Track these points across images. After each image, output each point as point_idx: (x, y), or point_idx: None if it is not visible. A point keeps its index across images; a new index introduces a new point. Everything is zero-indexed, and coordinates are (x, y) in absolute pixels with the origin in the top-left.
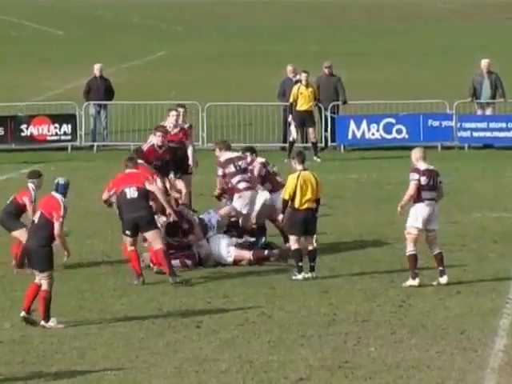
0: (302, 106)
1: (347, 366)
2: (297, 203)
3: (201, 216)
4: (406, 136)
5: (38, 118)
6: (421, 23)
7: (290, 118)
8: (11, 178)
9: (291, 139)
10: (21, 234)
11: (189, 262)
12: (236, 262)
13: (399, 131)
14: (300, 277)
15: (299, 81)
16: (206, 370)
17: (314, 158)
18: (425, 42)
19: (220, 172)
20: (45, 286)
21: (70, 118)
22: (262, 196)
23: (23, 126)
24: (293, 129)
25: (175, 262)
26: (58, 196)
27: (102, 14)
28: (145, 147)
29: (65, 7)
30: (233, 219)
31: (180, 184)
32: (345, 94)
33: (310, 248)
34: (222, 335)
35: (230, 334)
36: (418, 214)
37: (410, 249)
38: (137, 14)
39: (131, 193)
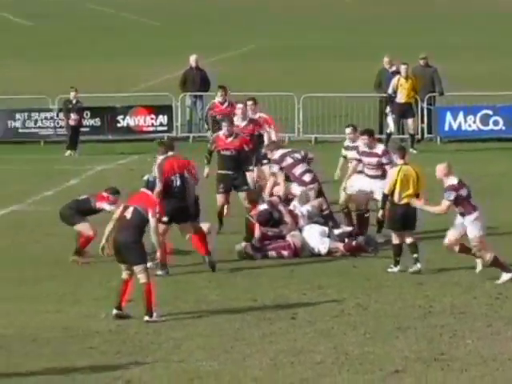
0: (402, 97)
1: (443, 359)
2: (396, 198)
3: (291, 207)
4: (503, 128)
5: (134, 109)
6: None
7: (387, 110)
8: (107, 168)
9: (389, 131)
10: (83, 228)
11: (285, 253)
12: (330, 253)
13: (496, 123)
14: (395, 269)
15: (396, 72)
16: (301, 361)
17: (411, 149)
18: None
19: (275, 169)
20: (143, 280)
21: (166, 109)
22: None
23: (120, 118)
24: (390, 120)
25: (271, 253)
26: (150, 193)
27: (197, 5)
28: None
29: None
30: (326, 211)
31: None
32: (441, 85)
33: (409, 241)
34: (317, 326)
35: (326, 326)
36: (479, 224)
37: (489, 255)
38: (231, 6)
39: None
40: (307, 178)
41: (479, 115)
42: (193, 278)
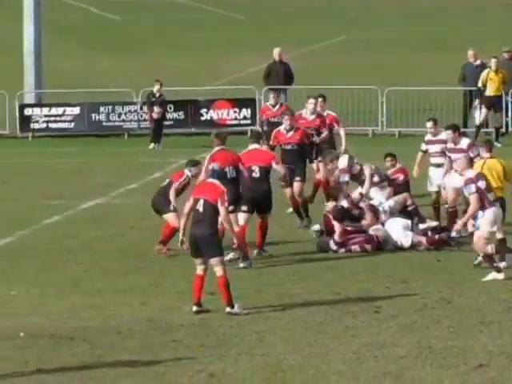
0: (491, 91)
1: None
2: None
3: (372, 201)
4: None
5: (218, 102)
6: None
7: (476, 103)
8: None
9: (477, 123)
10: (172, 218)
11: (368, 247)
12: (414, 247)
13: None
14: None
15: (481, 65)
16: (384, 355)
17: (495, 143)
18: None
19: (347, 178)
20: (220, 272)
21: (249, 103)
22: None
23: (203, 111)
24: (477, 114)
25: (354, 248)
26: (217, 182)
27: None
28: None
29: None
30: (411, 207)
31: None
32: None
33: (498, 237)
34: (400, 320)
35: (409, 320)
36: (491, 219)
37: (489, 249)
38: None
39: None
40: (376, 178)
41: None
42: (276, 271)
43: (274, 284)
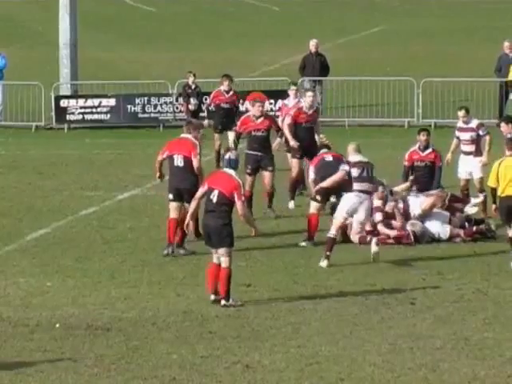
0: None
1: None
2: (499, 191)
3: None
4: None
5: (253, 93)
6: None
7: None
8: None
9: None
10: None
11: (403, 241)
12: (451, 238)
13: None
14: None
15: None
16: (420, 346)
17: None
18: None
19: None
20: (226, 264)
21: (284, 94)
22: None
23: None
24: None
25: (390, 241)
26: (233, 173)
27: None
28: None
29: None
30: (443, 208)
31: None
32: None
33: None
34: (436, 312)
35: (445, 311)
36: (345, 204)
37: (332, 232)
38: None
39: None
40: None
41: None
42: (311, 262)
43: (309, 276)
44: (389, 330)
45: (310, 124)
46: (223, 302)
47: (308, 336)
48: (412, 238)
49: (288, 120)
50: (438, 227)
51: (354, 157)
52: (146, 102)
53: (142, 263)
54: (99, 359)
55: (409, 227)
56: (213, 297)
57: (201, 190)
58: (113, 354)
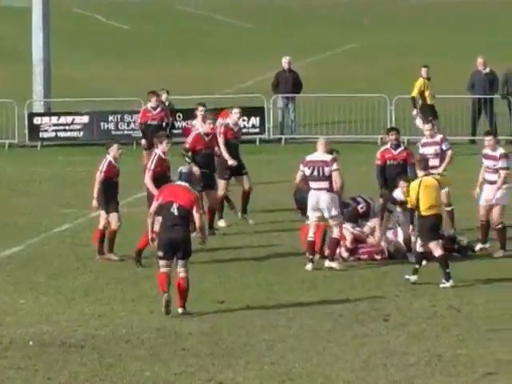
0: (430, 99)
1: None
2: (422, 210)
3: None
4: None
5: (226, 110)
6: None
7: (415, 112)
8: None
9: None
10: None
11: (378, 257)
12: (425, 253)
13: None
14: (413, 278)
15: (491, 73)
16: (394, 363)
17: None
18: None
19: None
20: (185, 274)
21: (258, 111)
22: None
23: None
24: (418, 122)
25: (364, 257)
26: (188, 185)
27: (290, 7)
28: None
29: (251, 0)
30: None
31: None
32: None
33: (438, 254)
34: (410, 328)
35: (419, 328)
36: (308, 203)
37: (310, 235)
38: (325, 6)
39: None
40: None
41: None
42: (285, 279)
43: (283, 292)
44: (362, 346)
45: (236, 141)
46: (180, 310)
47: (282, 353)
48: (386, 253)
49: (222, 140)
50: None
51: (311, 155)
52: (119, 119)
53: (115, 280)
54: (73, 376)
55: (383, 243)
56: (166, 296)
57: (154, 205)
58: (86, 371)
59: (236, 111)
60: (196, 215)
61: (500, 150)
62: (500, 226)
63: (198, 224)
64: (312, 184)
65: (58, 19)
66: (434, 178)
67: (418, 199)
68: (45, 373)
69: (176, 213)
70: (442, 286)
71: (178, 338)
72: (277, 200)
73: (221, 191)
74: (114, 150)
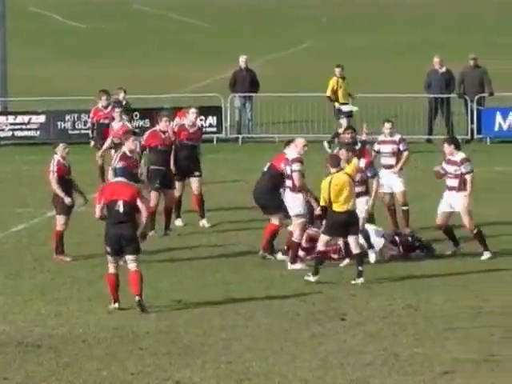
0: (343, 98)
1: (493, 360)
2: (334, 206)
3: None
4: None
5: (183, 110)
6: None
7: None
8: None
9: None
10: None
11: (334, 256)
12: (381, 253)
13: None
14: (359, 281)
15: (448, 72)
16: (350, 362)
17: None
18: None
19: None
20: (136, 268)
21: (215, 110)
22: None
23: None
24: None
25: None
26: (126, 180)
27: (246, 6)
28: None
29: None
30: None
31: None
32: (491, 85)
33: (356, 252)
34: (366, 328)
35: (375, 327)
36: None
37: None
38: (280, 5)
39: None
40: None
41: None
42: (243, 278)
43: (240, 291)
44: (319, 345)
45: (192, 142)
46: (137, 298)
47: (239, 352)
48: (343, 252)
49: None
50: (372, 236)
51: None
52: (76, 118)
53: (72, 280)
54: (30, 376)
55: (340, 242)
56: (117, 305)
57: (99, 207)
58: (43, 371)
59: (193, 111)
60: (141, 205)
61: (460, 155)
62: (475, 231)
63: (143, 214)
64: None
65: (14, 18)
66: (345, 174)
67: (329, 195)
68: (1, 372)
69: (121, 210)
70: (353, 282)
71: (135, 337)
72: (234, 199)
73: (177, 192)
74: (60, 149)
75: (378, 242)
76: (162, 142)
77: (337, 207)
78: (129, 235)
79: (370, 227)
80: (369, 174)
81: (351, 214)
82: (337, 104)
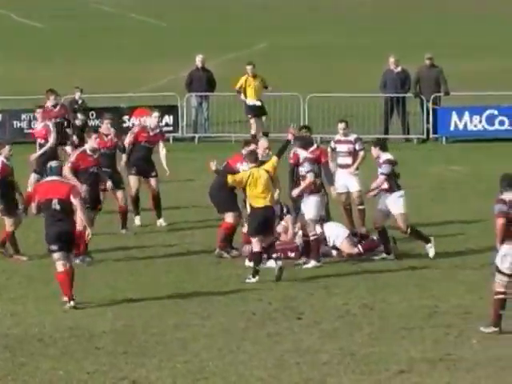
0: (253, 97)
1: (449, 359)
2: (252, 202)
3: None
4: (509, 127)
5: (139, 109)
6: None
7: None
8: None
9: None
10: None
11: (291, 255)
12: (341, 253)
13: (502, 123)
14: (253, 280)
15: (403, 72)
16: (306, 361)
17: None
18: None
19: None
20: (68, 265)
21: (171, 110)
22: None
23: (125, 118)
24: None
25: (276, 255)
26: (60, 178)
27: (202, 5)
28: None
29: None
30: None
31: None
32: (446, 85)
33: (265, 244)
34: (323, 327)
35: (332, 326)
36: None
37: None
38: (238, 5)
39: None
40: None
41: (485, 115)
42: (198, 277)
43: (195, 291)
44: (275, 344)
45: (149, 144)
46: (72, 303)
47: (195, 351)
48: (300, 250)
49: (128, 138)
50: (334, 231)
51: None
52: (32, 117)
53: (28, 279)
54: None
55: (297, 240)
56: (72, 303)
57: (33, 206)
58: None
59: (155, 115)
60: (76, 201)
61: (384, 156)
62: (409, 231)
63: (80, 209)
64: None
65: None
66: (263, 170)
67: (248, 190)
68: None
69: (58, 208)
70: (247, 280)
71: (91, 336)
72: (190, 198)
73: (133, 188)
74: (5, 151)
75: (342, 232)
76: (104, 145)
77: (254, 203)
78: (70, 232)
79: (331, 223)
80: (301, 169)
81: (269, 210)
82: (247, 101)
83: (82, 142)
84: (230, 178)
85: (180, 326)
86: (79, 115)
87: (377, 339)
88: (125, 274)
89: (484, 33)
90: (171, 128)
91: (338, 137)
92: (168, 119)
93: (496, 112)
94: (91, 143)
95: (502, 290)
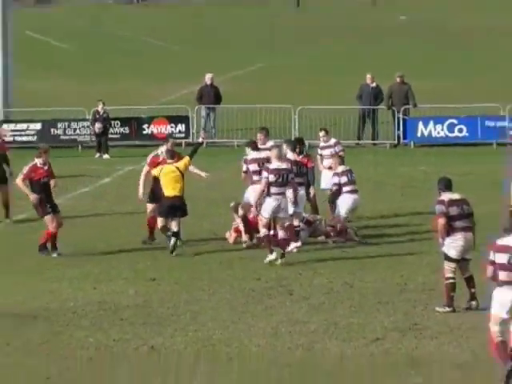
0: None
1: (416, 328)
2: (165, 192)
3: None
4: (467, 134)
5: (157, 119)
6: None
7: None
8: (134, 169)
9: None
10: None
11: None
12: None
13: (460, 130)
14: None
15: (377, 87)
16: (297, 330)
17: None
18: (486, 53)
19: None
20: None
21: (184, 119)
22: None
23: (145, 126)
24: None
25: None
26: None
27: (211, 28)
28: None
29: (179, 23)
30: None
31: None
32: (414, 99)
33: (176, 229)
34: (311, 301)
35: (318, 301)
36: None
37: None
38: (240, 27)
39: None
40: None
41: (446, 124)
42: (207, 260)
43: (205, 271)
44: (271, 316)
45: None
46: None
47: (203, 322)
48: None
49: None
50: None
51: (275, 163)
52: (66, 126)
53: (63, 262)
54: (28, 342)
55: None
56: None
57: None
58: (39, 337)
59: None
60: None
61: (333, 140)
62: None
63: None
64: (274, 190)
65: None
66: (174, 166)
67: (161, 183)
68: (3, 339)
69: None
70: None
71: (116, 309)
72: (198, 192)
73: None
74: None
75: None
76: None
77: (167, 192)
78: None
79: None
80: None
81: (178, 199)
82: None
83: (104, 147)
84: (154, 171)
85: (191, 301)
86: (97, 124)
87: (356, 312)
88: (145, 258)
89: (446, 57)
90: (183, 135)
91: (321, 144)
92: (180, 127)
93: (456, 121)
94: (43, 158)
95: (452, 275)
